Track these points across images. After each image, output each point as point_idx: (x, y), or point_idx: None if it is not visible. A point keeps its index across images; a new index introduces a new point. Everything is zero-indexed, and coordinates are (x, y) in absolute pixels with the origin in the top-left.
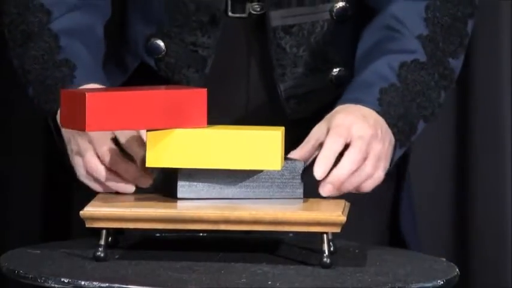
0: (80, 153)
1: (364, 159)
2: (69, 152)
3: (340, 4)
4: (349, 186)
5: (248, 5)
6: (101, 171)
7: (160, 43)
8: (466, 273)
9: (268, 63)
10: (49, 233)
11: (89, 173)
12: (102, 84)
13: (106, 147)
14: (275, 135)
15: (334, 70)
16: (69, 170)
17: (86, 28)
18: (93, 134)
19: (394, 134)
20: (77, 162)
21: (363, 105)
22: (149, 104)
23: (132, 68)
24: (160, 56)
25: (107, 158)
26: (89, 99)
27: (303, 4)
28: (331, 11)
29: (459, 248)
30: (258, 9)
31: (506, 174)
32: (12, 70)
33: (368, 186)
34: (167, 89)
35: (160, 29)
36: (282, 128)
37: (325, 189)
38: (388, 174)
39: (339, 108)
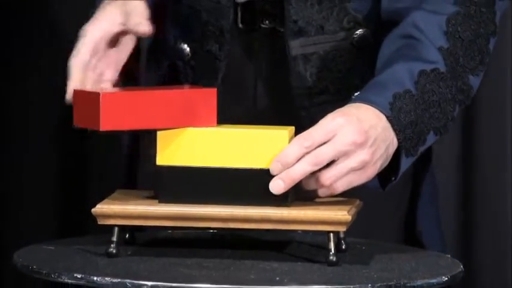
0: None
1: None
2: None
3: (360, 31)
4: (305, 187)
5: (258, 20)
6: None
7: (186, 47)
8: (469, 272)
9: (275, 77)
10: (65, 230)
11: None
12: None
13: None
14: (282, 134)
15: (356, 94)
16: None
17: None
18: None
19: (399, 141)
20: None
21: (373, 106)
22: (161, 103)
23: (165, 66)
24: (186, 59)
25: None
26: (103, 98)
27: (322, 33)
28: (351, 38)
29: (463, 247)
30: (268, 22)
31: (506, 176)
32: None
33: (322, 193)
34: (178, 89)
35: (185, 33)
36: (290, 128)
37: (273, 185)
38: (405, 175)
39: (346, 106)
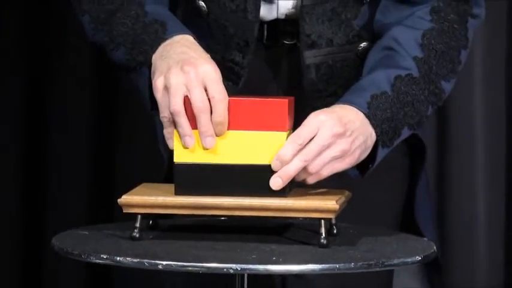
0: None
1: (318, 156)
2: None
3: (364, 44)
4: (297, 178)
5: (281, 38)
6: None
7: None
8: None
9: (293, 83)
10: (98, 217)
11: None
12: (193, 36)
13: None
14: (281, 135)
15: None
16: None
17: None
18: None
19: (377, 134)
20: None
21: (353, 106)
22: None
23: None
24: None
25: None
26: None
27: (331, 45)
28: (356, 50)
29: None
30: (289, 39)
31: (477, 177)
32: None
33: (310, 180)
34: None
35: (208, 45)
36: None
37: (273, 182)
38: (404, 168)
39: (331, 106)
